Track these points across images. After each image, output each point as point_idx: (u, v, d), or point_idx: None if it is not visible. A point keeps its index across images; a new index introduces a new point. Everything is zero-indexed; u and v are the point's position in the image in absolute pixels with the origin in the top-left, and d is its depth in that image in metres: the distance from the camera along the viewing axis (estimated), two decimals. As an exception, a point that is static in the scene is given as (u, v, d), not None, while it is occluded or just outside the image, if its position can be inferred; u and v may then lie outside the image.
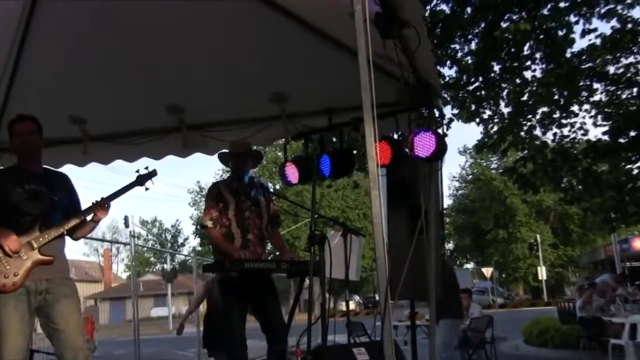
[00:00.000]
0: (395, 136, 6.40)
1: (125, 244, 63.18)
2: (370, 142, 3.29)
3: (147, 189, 4.69)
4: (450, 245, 53.02)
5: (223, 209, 5.34)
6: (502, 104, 11.90)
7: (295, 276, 5.66)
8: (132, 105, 6.16)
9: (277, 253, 6.10)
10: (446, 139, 5.54)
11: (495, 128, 12.20)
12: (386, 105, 5.80)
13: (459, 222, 53.11)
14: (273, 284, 5.42)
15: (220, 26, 5.34)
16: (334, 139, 7.37)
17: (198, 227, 55.64)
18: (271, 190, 5.88)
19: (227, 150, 5.83)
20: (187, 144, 6.60)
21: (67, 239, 4.39)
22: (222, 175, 48.03)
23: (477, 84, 11.34)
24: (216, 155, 6.20)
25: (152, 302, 53.05)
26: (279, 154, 44.43)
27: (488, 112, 11.98)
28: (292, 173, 6.66)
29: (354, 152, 7.14)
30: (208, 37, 5.44)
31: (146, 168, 4.69)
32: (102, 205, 4.34)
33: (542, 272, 44.03)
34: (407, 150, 5.89)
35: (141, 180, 4.64)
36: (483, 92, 11.50)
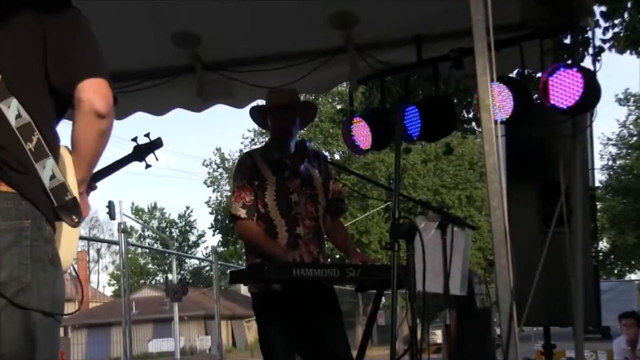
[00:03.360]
0: (520, 76, 6.34)
1: (110, 244, 64.35)
2: (484, 83, 3.28)
3: (148, 165, 4.77)
4: (603, 244, 52.26)
5: (259, 190, 5.40)
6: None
7: (368, 289, 5.68)
8: (121, 34, 6.23)
9: (338, 255, 6.12)
10: (600, 79, 5.48)
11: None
12: (506, 29, 5.75)
13: (618, 209, 52.26)
14: (336, 300, 5.48)
15: None
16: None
17: (220, 217, 56.22)
18: (327, 161, 5.90)
19: (262, 104, 5.86)
20: (203, 91, 6.69)
21: None
22: (253, 141, 48.41)
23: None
24: (246, 109, 6.25)
25: (151, 331, 53.99)
26: (339, 106, 44.50)
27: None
28: (363, 134, 6.70)
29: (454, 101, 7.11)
30: None
31: (147, 135, 4.77)
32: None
33: None
34: (538, 97, 5.84)
35: (140, 152, 4.73)
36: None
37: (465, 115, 12.06)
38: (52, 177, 2.85)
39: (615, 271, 55.26)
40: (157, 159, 4.80)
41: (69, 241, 3.00)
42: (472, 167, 46.31)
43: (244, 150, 45.71)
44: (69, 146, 2.98)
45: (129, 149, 4.77)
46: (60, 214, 2.88)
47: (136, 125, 4.93)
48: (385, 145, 6.88)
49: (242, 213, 5.35)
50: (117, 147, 4.93)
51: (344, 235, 5.88)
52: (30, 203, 2.83)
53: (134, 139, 4.74)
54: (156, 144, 4.78)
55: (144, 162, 4.76)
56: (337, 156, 45.90)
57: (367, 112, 6.93)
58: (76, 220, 2.91)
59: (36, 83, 2.94)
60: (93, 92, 2.85)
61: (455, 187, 46.31)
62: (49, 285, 2.86)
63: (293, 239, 5.34)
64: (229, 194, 50.67)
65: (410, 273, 4.14)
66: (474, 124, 12.53)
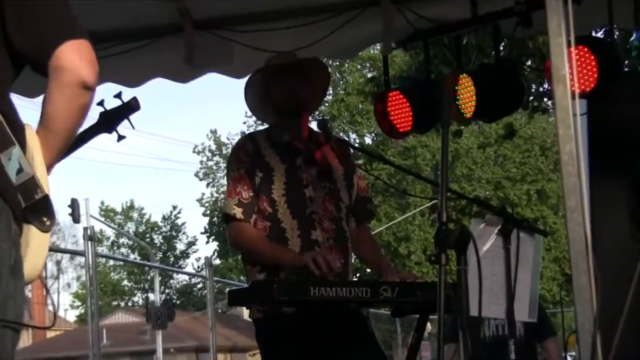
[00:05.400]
0: (607, 36, 6.33)
1: (73, 254, 64.36)
2: (559, 46, 3.28)
3: (121, 137, 4.77)
4: None
5: (264, 184, 5.40)
6: None
7: (408, 313, 5.69)
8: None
9: (369, 270, 6.14)
10: None
11: None
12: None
13: None
14: (367, 327, 5.50)
15: None
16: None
17: (216, 219, 56.23)
18: (354, 146, 5.87)
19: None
20: (193, 55, 6.72)
21: None
22: (259, 122, 48.30)
23: None
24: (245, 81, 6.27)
25: (128, 367, 54.24)
26: (370, 74, 44.48)
27: None
28: (401, 112, 6.69)
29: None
30: None
31: (117, 96, 4.77)
32: None
33: None
34: (630, 62, 5.82)
35: (109, 120, 4.72)
36: None
37: (534, 87, 12.01)
38: (20, 170, 2.82)
39: None
40: (133, 127, 4.80)
41: (37, 250, 2.96)
42: (544, 153, 46.12)
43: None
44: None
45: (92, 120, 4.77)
46: (28, 216, 2.85)
47: (106, 95, 4.88)
48: (430, 127, 6.88)
49: (238, 212, 5.31)
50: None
51: (373, 245, 5.88)
52: None
53: (100, 103, 4.72)
54: (130, 106, 4.77)
55: (114, 133, 4.75)
56: (367, 140, 45.90)
57: (407, 83, 6.96)
58: (48, 223, 2.89)
59: None
60: (78, 57, 2.85)
61: (523, 179, 46.15)
62: (7, 300, 2.81)
63: (308, 246, 5.30)
64: (227, 189, 50.85)
65: (463, 293, 4.15)
66: (547, 100, 12.49)
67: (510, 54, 6.88)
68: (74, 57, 2.84)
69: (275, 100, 5.51)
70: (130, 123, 4.77)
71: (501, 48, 7.92)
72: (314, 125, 5.64)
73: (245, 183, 5.35)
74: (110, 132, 4.73)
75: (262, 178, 5.36)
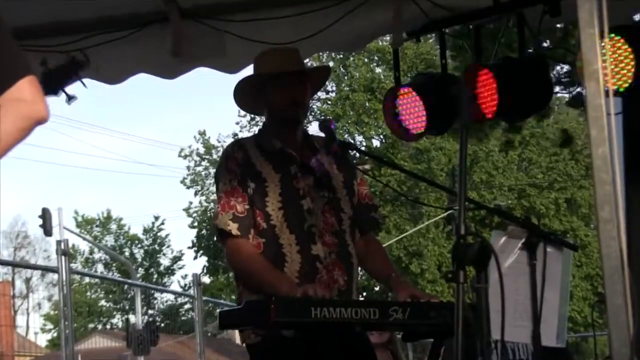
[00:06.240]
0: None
1: (45, 271, 64.25)
2: (590, 38, 3.29)
3: (70, 97, 4.73)
4: None
5: (257, 195, 5.41)
6: None
7: (421, 337, 5.69)
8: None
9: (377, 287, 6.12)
10: None
11: None
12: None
13: None
14: (373, 354, 5.50)
15: None
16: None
17: (205, 232, 56.16)
18: (360, 150, 5.86)
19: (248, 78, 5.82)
20: (180, 48, 6.73)
21: None
22: (254, 120, 48.36)
23: None
24: (241, 74, 6.27)
25: (105, 398, 54.21)
26: (379, 69, 44.53)
27: None
28: (413, 111, 6.70)
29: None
30: None
31: (63, 51, 4.73)
32: None
33: None
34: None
35: (54, 79, 4.66)
36: None
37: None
38: None
39: None
40: (85, 86, 4.77)
41: None
42: (574, 157, 46.07)
43: (241, 136, 45.54)
44: None
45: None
46: None
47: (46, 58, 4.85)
48: (446, 128, 6.88)
49: (234, 228, 5.31)
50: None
51: (383, 258, 5.84)
52: None
53: (43, 62, 4.68)
54: (78, 62, 4.73)
55: (62, 94, 4.71)
56: (375, 142, 45.90)
57: (420, 79, 6.93)
58: None
59: None
60: (37, 92, 3.05)
61: (550, 186, 46.11)
62: None
63: (309, 263, 5.33)
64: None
65: (483, 314, 4.15)
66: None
67: (546, 47, 6.87)
68: (33, 91, 3.05)
69: (272, 103, 5.52)
70: (82, 82, 4.74)
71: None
72: (314, 126, 5.63)
73: (239, 195, 5.36)
74: (57, 94, 4.68)
75: (255, 190, 5.37)
